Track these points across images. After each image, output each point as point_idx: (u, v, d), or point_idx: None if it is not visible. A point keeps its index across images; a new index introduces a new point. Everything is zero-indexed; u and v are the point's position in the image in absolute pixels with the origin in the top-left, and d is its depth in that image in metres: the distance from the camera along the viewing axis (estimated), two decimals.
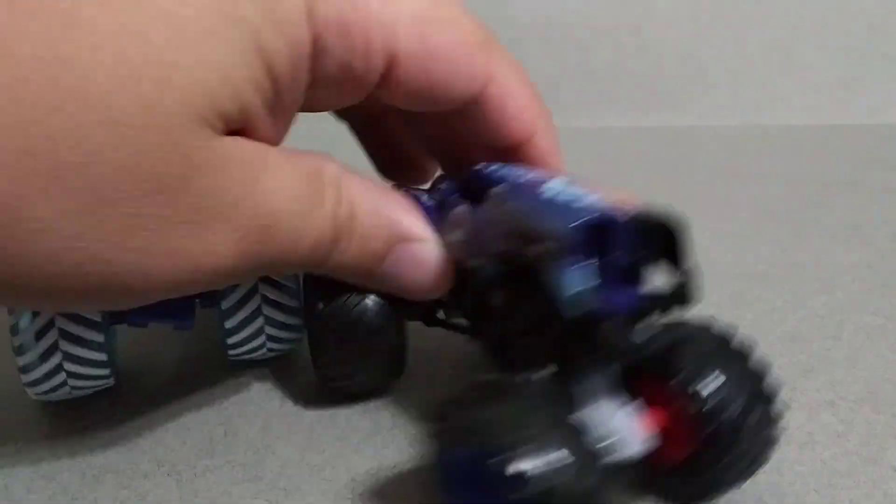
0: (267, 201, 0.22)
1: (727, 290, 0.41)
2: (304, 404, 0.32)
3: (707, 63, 0.82)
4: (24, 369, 0.29)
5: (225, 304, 0.32)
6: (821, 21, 0.81)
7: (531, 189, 0.26)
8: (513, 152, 0.30)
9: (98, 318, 0.30)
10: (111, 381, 0.32)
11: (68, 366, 0.30)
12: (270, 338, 0.33)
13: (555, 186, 0.26)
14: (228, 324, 0.32)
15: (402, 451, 0.29)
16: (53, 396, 0.31)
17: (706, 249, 0.47)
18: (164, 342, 0.37)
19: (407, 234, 0.27)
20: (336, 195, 0.25)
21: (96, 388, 0.32)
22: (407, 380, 0.33)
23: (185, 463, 0.28)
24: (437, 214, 0.30)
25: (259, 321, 0.32)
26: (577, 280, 0.22)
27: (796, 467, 0.28)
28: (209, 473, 0.28)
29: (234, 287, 0.32)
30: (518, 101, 0.29)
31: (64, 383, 0.30)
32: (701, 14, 0.82)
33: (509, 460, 0.19)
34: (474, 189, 0.29)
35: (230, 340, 0.32)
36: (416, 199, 0.31)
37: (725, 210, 0.54)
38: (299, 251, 0.24)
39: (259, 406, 0.32)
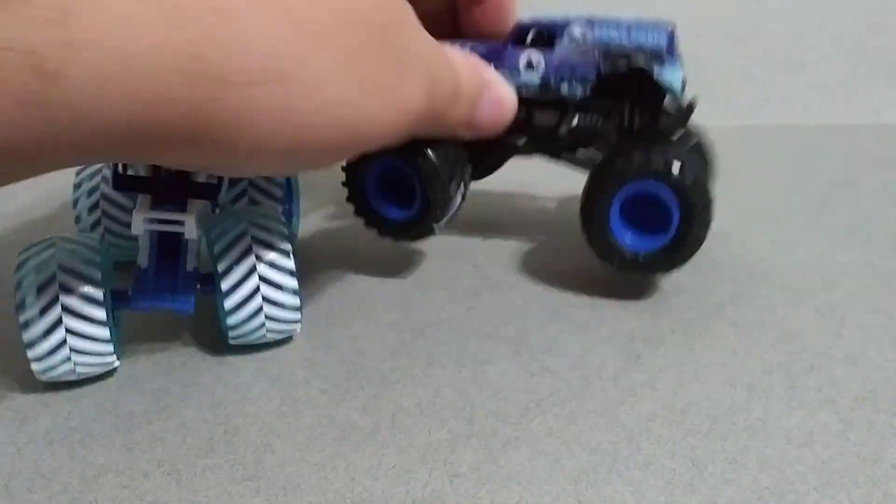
0: (424, 51, 0.27)
1: (727, 289, 0.41)
2: (303, 403, 0.32)
3: (707, 63, 0.82)
4: (29, 345, 0.30)
5: (224, 285, 0.33)
6: (821, 21, 0.81)
7: (602, 20, 0.38)
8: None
9: (100, 297, 0.31)
10: (115, 362, 0.32)
11: (72, 341, 0.30)
12: (270, 318, 0.33)
13: (615, 18, 0.38)
14: (227, 304, 0.33)
15: (401, 450, 0.29)
16: (57, 374, 0.31)
17: (706, 249, 0.47)
18: (164, 340, 0.37)
19: (486, 80, 0.31)
20: (447, 59, 0.29)
21: (101, 368, 0.32)
22: (403, 378, 0.33)
23: (185, 462, 0.28)
24: (489, 60, 0.37)
25: (257, 300, 0.33)
26: (680, 70, 0.37)
27: (796, 466, 0.28)
28: (209, 472, 0.28)
29: (233, 267, 0.33)
30: None
31: (67, 359, 0.31)
32: (701, 14, 0.82)
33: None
34: (538, 38, 0.38)
35: (230, 321, 0.33)
36: (463, 48, 0.39)
37: (725, 210, 0.54)
38: (448, 94, 0.28)
39: (259, 405, 0.32)
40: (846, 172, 0.63)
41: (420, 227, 0.40)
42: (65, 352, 0.31)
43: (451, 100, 0.29)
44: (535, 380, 0.33)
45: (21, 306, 0.30)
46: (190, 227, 0.33)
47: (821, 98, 0.82)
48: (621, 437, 0.29)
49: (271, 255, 0.34)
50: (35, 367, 0.31)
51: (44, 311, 0.30)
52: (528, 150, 0.42)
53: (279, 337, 0.35)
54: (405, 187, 0.39)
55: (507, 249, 0.47)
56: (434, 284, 0.43)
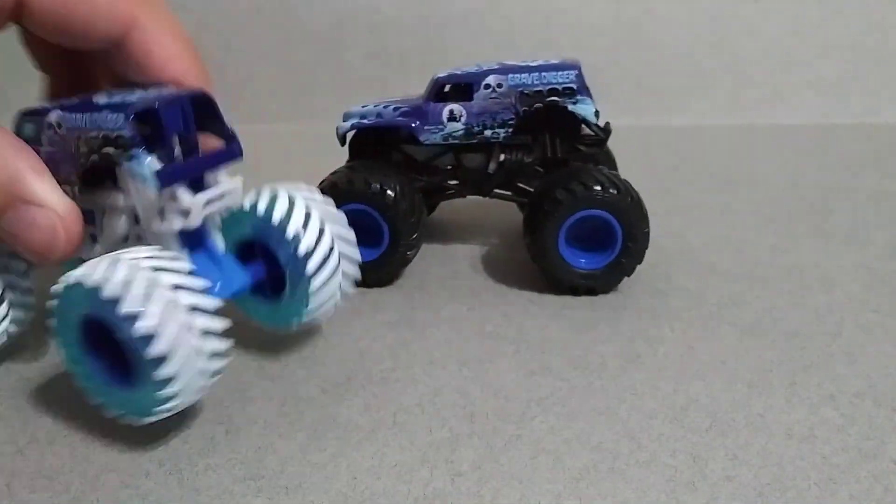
0: None
1: (726, 289, 0.41)
2: (304, 403, 0.32)
3: (707, 63, 0.83)
4: None
5: (302, 249, 0.33)
6: (820, 21, 0.81)
7: (513, 66, 0.42)
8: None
9: None
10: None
11: None
12: (345, 275, 0.34)
13: (525, 63, 0.42)
14: (310, 266, 0.33)
15: (403, 448, 0.29)
16: None
17: (704, 250, 0.47)
18: None
19: (27, 196, 0.28)
20: None
21: None
22: (404, 378, 0.34)
23: (187, 461, 0.28)
24: (415, 118, 0.43)
25: (334, 259, 0.33)
26: (590, 100, 0.42)
27: (797, 462, 0.28)
28: (210, 472, 0.28)
29: (302, 231, 0.33)
30: (166, 50, 0.32)
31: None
32: (700, 14, 0.82)
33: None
34: (456, 90, 0.42)
35: (313, 284, 0.33)
36: (387, 109, 0.45)
37: (724, 211, 0.54)
38: None
39: (260, 405, 0.32)
40: (844, 173, 0.63)
41: (386, 266, 0.42)
42: None
43: None
44: (535, 379, 0.33)
45: None
46: (238, 192, 0.32)
47: (820, 98, 0.82)
48: (622, 435, 0.29)
49: (331, 214, 0.34)
50: None
51: None
52: (460, 191, 0.46)
53: (338, 303, 0.35)
54: (366, 231, 0.41)
55: (506, 251, 0.47)
56: (434, 284, 0.43)
